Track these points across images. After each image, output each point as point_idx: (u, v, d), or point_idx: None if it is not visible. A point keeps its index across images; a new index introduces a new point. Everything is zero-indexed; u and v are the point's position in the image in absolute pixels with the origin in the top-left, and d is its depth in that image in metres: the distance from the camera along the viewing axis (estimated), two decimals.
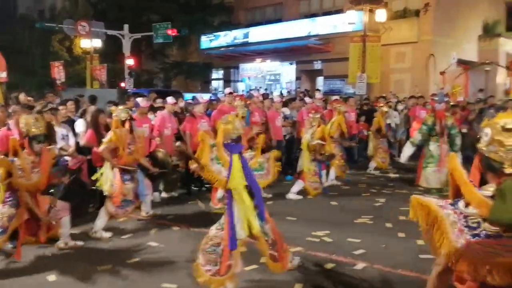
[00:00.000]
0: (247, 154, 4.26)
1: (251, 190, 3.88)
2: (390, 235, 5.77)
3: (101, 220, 5.75)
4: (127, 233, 5.97)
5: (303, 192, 7.89)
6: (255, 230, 3.86)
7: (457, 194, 2.42)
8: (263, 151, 4.68)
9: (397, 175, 10.00)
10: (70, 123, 7.28)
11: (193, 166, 4.15)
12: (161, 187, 7.96)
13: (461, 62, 17.46)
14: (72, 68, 24.25)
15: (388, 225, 6.25)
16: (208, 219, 5.98)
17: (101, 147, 5.71)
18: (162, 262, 4.92)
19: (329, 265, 4.77)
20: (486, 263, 2.12)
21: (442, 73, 16.73)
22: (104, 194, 5.74)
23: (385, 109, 10.37)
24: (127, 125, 5.79)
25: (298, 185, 7.89)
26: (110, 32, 21.05)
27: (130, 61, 21.13)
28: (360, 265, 4.75)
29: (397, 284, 4.34)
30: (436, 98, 8.17)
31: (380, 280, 4.42)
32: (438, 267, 2.32)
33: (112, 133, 5.70)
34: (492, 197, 2.21)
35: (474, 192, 2.26)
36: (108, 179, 5.69)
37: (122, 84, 20.70)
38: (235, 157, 3.81)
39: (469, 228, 2.22)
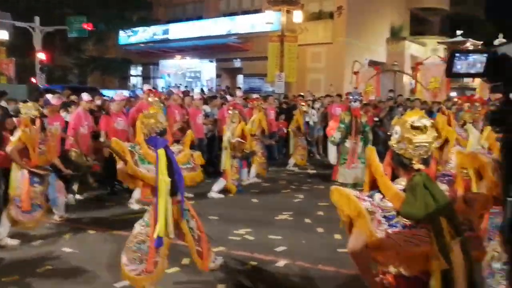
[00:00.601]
0: (175, 148, 4.14)
1: (176, 186, 3.78)
2: (310, 231, 5.92)
3: (4, 226, 5.31)
4: (37, 239, 5.56)
5: (224, 190, 7.88)
6: (167, 231, 3.73)
7: (373, 187, 2.51)
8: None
9: (315, 171, 10.31)
10: None
11: (119, 165, 3.95)
12: (75, 188, 7.57)
13: (372, 63, 18.39)
14: None
15: (308, 220, 6.41)
16: (126, 220, 5.79)
17: (9, 148, 5.29)
18: (76, 269, 4.65)
19: (251, 264, 4.79)
20: (405, 253, 2.20)
21: (355, 73, 17.51)
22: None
23: (305, 108, 10.65)
24: (37, 123, 5.43)
25: (219, 184, 7.87)
26: (18, 24, 19.67)
27: (41, 56, 19.87)
28: (281, 262, 4.81)
29: (317, 279, 4.44)
30: (351, 97, 8.48)
31: (302, 276, 4.51)
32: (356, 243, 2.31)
33: (21, 132, 5.31)
34: (404, 190, 2.32)
35: (389, 185, 2.36)
36: (15, 180, 5.30)
37: (34, 80, 19.41)
38: (161, 152, 3.68)
39: (386, 219, 2.30)
